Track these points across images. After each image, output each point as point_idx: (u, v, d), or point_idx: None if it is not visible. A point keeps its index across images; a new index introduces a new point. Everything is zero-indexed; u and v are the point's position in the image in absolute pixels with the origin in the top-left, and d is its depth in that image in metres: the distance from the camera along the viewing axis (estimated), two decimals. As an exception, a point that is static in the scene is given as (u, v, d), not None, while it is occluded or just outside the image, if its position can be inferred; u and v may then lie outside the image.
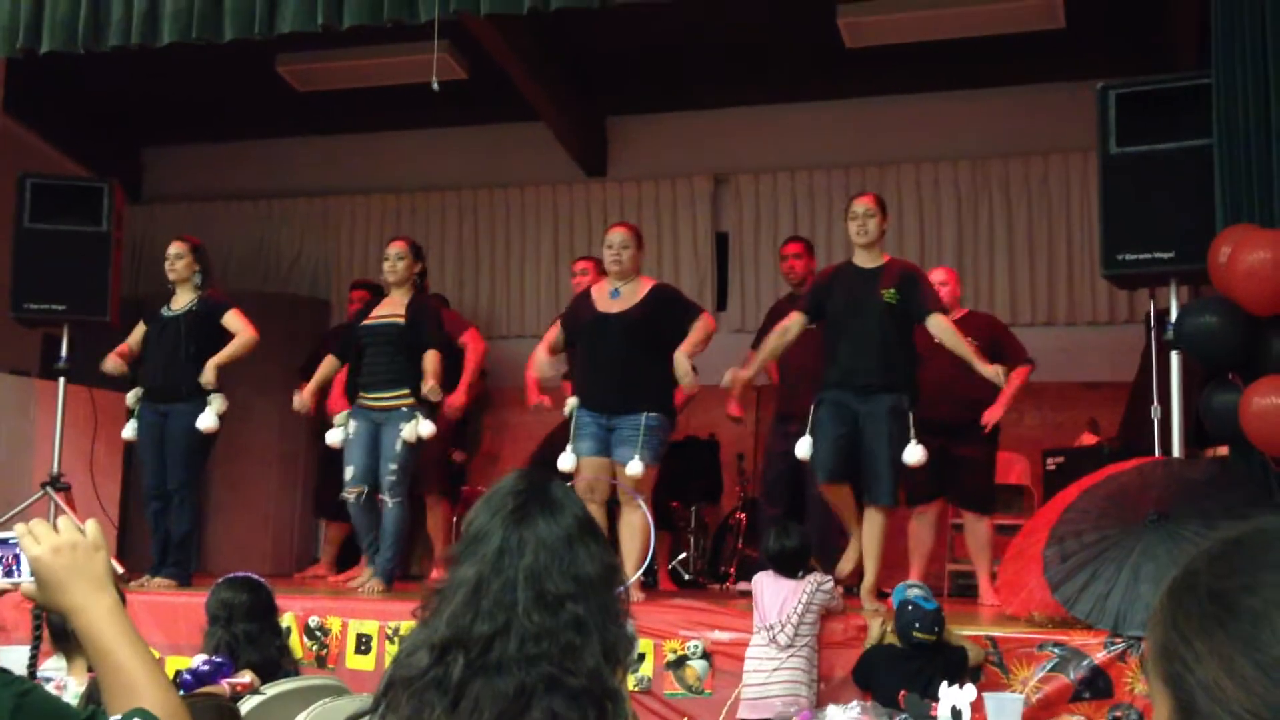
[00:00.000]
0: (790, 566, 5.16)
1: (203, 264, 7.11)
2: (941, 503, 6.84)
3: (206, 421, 6.74)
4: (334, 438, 6.74)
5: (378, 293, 8.00)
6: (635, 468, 5.89)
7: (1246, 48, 5.32)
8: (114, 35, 6.14)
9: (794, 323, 6.12)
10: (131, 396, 7.02)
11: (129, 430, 7.01)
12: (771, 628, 4.97)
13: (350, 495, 6.66)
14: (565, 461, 6.08)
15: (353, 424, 6.70)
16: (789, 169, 9.36)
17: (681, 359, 5.99)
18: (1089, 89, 6.15)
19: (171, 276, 7.08)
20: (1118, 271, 5.93)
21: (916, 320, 5.92)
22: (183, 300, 7.06)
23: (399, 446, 6.55)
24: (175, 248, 7.11)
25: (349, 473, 6.67)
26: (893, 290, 5.86)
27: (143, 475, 7.06)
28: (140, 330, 7.17)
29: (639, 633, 5.00)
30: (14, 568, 1.84)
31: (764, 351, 6.28)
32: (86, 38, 6.17)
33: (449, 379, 6.91)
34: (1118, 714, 4.60)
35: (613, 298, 6.22)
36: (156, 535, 6.89)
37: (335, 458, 7.95)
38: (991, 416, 6.60)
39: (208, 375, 6.74)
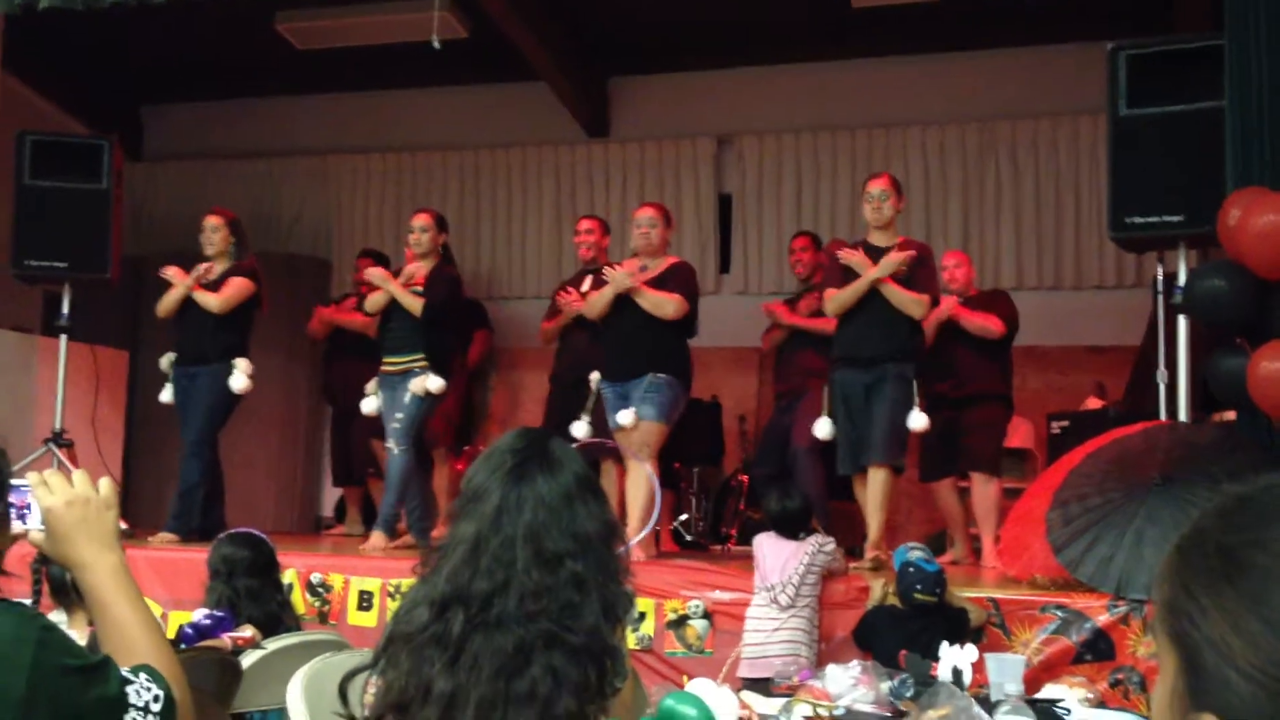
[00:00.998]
0: (792, 527, 5.16)
1: (238, 236, 7.21)
2: (955, 478, 6.91)
3: (239, 382, 6.90)
4: (369, 406, 6.91)
5: (382, 260, 8.07)
6: (625, 416, 6.01)
7: (1260, 8, 5.27)
8: (113, -10, 6.09)
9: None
10: (165, 361, 7.14)
11: (166, 394, 7.11)
12: (772, 588, 4.97)
13: None
14: (579, 430, 6.25)
15: (381, 394, 6.87)
16: (793, 130, 9.30)
17: (626, 276, 6.15)
18: (1099, 50, 6.10)
19: (208, 250, 7.17)
20: (1126, 234, 5.91)
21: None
22: (217, 270, 7.14)
23: (407, 398, 6.71)
24: (211, 221, 7.21)
25: None
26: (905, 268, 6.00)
27: (179, 432, 7.16)
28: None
29: (640, 592, 5.01)
30: (25, 513, 1.85)
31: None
32: (86, -7, 6.12)
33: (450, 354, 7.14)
34: (1119, 676, 4.61)
35: (641, 272, 6.32)
36: None
37: (347, 425, 8.03)
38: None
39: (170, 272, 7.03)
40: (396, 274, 7.03)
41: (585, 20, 9.08)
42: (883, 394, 5.89)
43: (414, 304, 6.77)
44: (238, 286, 6.99)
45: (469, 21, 8.42)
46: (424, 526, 6.86)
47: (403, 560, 5.80)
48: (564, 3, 8.71)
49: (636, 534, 5.80)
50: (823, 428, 6.13)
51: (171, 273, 7.08)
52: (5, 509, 1.78)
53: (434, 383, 6.67)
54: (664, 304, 6.15)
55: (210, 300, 6.93)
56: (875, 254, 6.07)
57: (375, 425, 7.13)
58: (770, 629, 4.93)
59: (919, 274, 6.02)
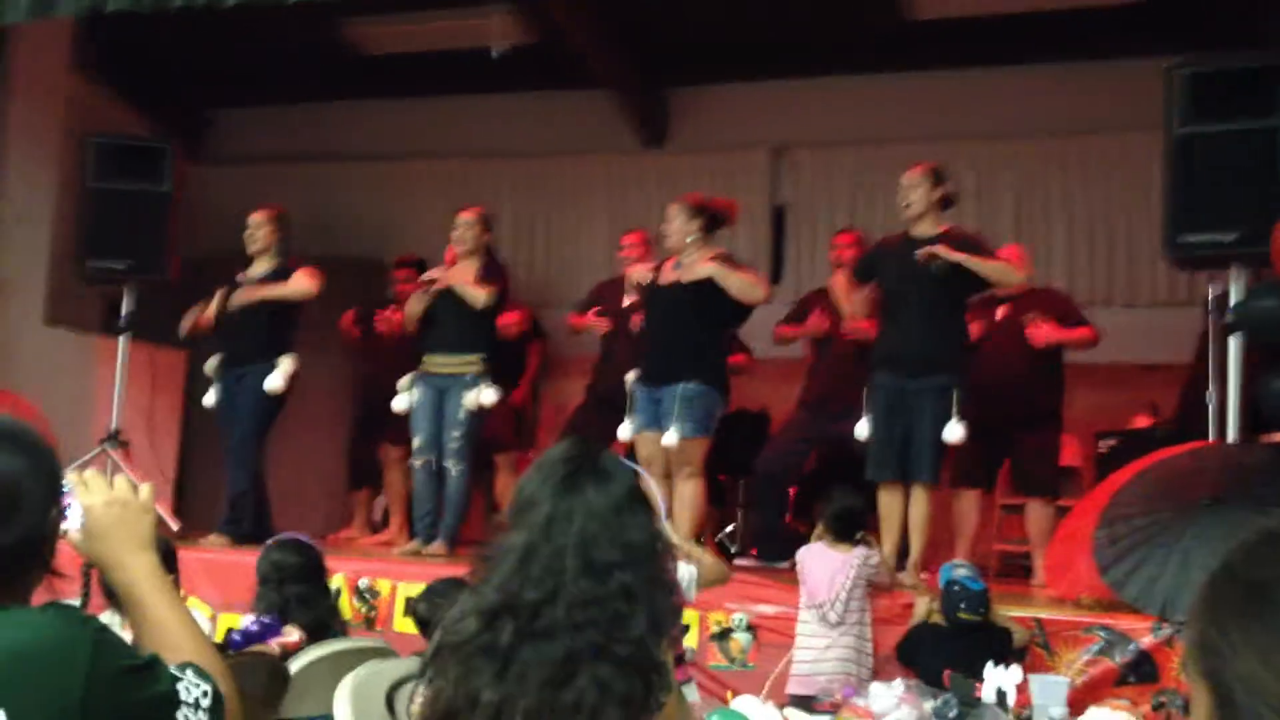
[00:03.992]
0: (850, 528, 5.14)
1: (283, 232, 7.17)
2: (981, 490, 6.80)
3: (274, 382, 6.83)
4: (400, 404, 6.75)
5: (420, 266, 8.08)
6: (670, 437, 5.89)
7: (1319, 28, 5.23)
8: (180, -5, 6.16)
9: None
10: (210, 364, 7.13)
11: (210, 398, 7.10)
12: (821, 605, 4.96)
13: (418, 463, 6.74)
14: (624, 431, 6.14)
15: (417, 391, 6.72)
16: (847, 143, 9.28)
17: (711, 264, 6.00)
18: (1156, 66, 6.06)
19: (252, 247, 7.14)
20: (1179, 253, 5.88)
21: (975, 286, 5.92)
22: (261, 268, 7.13)
23: (462, 414, 6.58)
24: (256, 217, 7.18)
25: (417, 441, 6.73)
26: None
27: (221, 437, 7.17)
28: (219, 298, 7.20)
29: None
30: (65, 512, 1.89)
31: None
32: (153, -3, 6.20)
33: (506, 366, 7.09)
34: (1163, 699, 4.58)
35: (676, 269, 6.21)
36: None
37: (369, 424, 7.99)
38: (1038, 332, 6.62)
39: (248, 295, 6.91)
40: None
41: (645, 31, 9.11)
42: (925, 408, 5.72)
43: (476, 295, 6.65)
44: (309, 273, 6.97)
45: (531, 29, 8.48)
46: (451, 527, 6.75)
47: (450, 567, 5.82)
48: (625, 13, 8.75)
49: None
50: (863, 429, 5.88)
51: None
52: (59, 509, 1.83)
53: (488, 395, 6.54)
54: (749, 287, 6.05)
55: (301, 285, 6.90)
56: (916, 245, 5.88)
57: (398, 428, 7.02)
58: (822, 646, 4.92)
59: (975, 250, 5.90)
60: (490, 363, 6.72)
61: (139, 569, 1.86)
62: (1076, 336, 6.70)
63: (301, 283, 6.94)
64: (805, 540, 5.42)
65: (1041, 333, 6.56)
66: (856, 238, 7.44)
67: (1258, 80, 5.64)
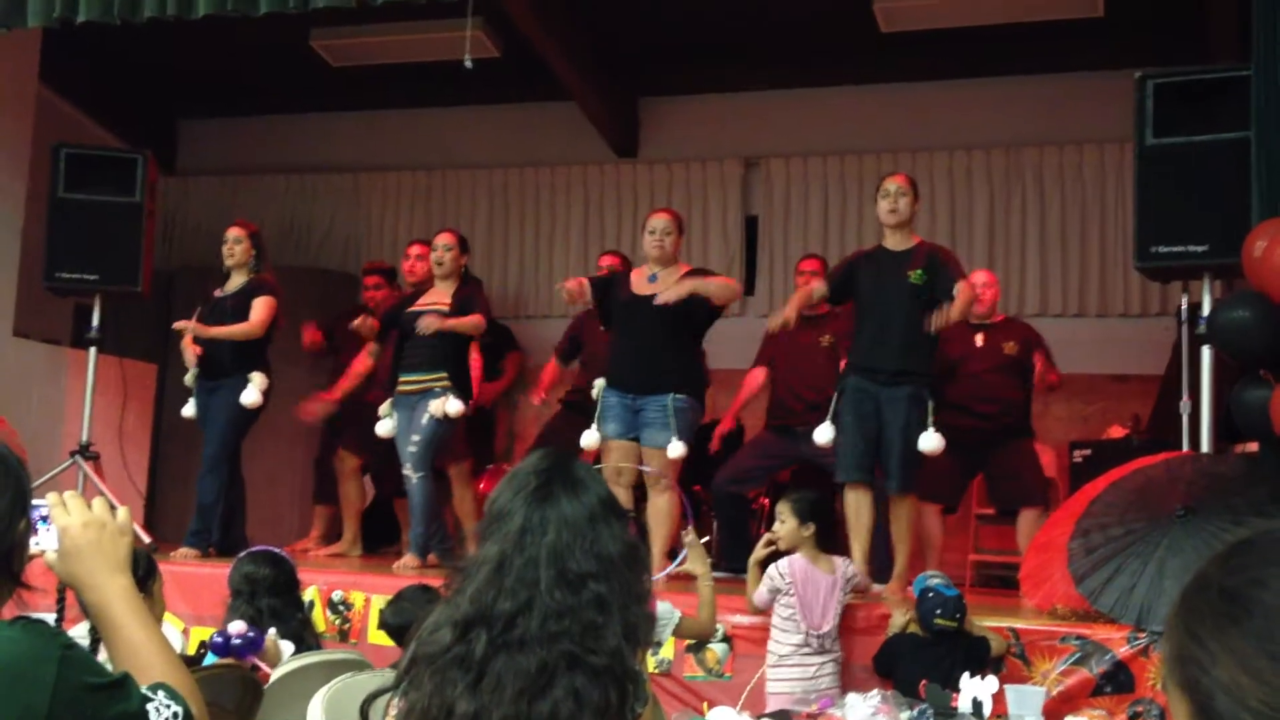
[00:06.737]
0: (820, 517, 5.15)
1: (259, 249, 7.17)
2: (943, 507, 6.81)
3: (250, 396, 6.83)
4: (384, 429, 6.75)
5: (391, 276, 8.05)
6: (677, 449, 5.90)
7: (1287, 40, 5.27)
8: (150, 7, 6.15)
9: (816, 287, 6.16)
10: (189, 376, 7.10)
11: (189, 409, 7.09)
12: (822, 637, 4.91)
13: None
14: (588, 439, 6.12)
15: (396, 415, 6.74)
16: (820, 153, 9.32)
17: (690, 282, 6.05)
18: (1127, 78, 6.10)
19: (229, 261, 7.13)
20: (1151, 264, 5.89)
21: (944, 297, 5.77)
22: (235, 283, 7.13)
23: (425, 420, 6.57)
24: (234, 233, 7.16)
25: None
26: (919, 271, 5.81)
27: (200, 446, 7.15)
28: (196, 315, 7.19)
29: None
30: (38, 527, 1.88)
31: (794, 303, 6.09)
32: (123, 9, 6.18)
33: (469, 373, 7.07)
34: (1139, 709, 4.59)
35: (650, 281, 6.22)
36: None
37: (334, 436, 7.98)
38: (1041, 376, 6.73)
39: (185, 328, 6.88)
40: (408, 291, 7.07)
41: (616, 41, 9.13)
42: (898, 418, 5.69)
43: (468, 324, 6.69)
44: (266, 307, 6.96)
45: (501, 41, 8.48)
46: (446, 548, 6.82)
47: (426, 579, 5.79)
48: (595, 24, 8.76)
49: (658, 561, 5.78)
50: (823, 433, 5.86)
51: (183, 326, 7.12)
52: (28, 523, 1.81)
53: (454, 406, 6.51)
54: (728, 287, 6.21)
55: (245, 328, 6.90)
56: (889, 257, 5.90)
57: (357, 437, 7.12)
58: (816, 666, 4.87)
59: (953, 271, 5.85)
60: (457, 378, 6.70)
61: (113, 591, 1.85)
62: (1055, 379, 6.86)
63: (247, 326, 6.93)
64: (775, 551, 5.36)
65: (1040, 375, 6.76)
66: (821, 264, 7.45)
67: (1227, 92, 5.67)
